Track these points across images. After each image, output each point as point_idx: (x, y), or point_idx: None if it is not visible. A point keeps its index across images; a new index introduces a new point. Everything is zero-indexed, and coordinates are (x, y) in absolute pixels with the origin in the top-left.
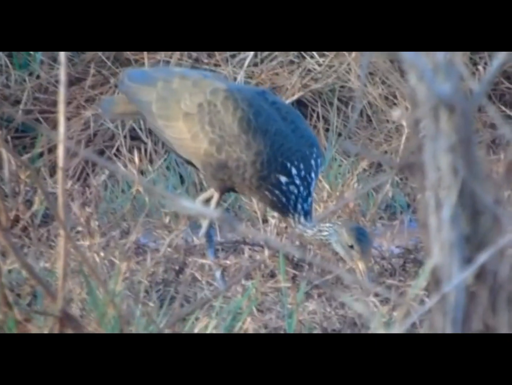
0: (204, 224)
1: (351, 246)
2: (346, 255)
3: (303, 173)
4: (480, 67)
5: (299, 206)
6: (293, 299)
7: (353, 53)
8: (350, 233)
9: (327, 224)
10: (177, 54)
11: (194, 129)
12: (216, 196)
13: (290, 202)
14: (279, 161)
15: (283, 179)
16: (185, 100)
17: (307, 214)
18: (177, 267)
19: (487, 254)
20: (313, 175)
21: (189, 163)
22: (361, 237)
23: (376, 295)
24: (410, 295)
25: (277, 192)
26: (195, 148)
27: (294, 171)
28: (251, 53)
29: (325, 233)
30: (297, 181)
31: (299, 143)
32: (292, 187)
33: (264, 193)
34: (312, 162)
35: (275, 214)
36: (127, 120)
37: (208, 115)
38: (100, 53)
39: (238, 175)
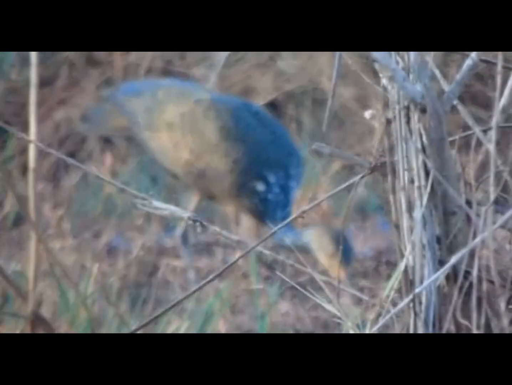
0: (180, 225)
1: (332, 254)
2: (327, 263)
3: (282, 181)
4: (452, 68)
5: (277, 214)
6: (265, 301)
7: (326, 55)
8: (332, 241)
9: (309, 230)
10: (149, 55)
11: (176, 138)
12: (194, 201)
13: (269, 210)
14: (257, 170)
15: (261, 187)
16: (169, 110)
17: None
18: (149, 269)
19: (459, 255)
20: (293, 183)
21: (174, 176)
22: (343, 246)
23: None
24: (382, 296)
25: (255, 200)
26: (176, 158)
27: (272, 179)
28: (224, 55)
29: (306, 240)
30: (276, 189)
31: (279, 153)
32: (270, 195)
33: (243, 201)
34: (292, 170)
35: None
36: (116, 134)
37: (189, 125)
38: (71, 55)
39: (216, 183)
